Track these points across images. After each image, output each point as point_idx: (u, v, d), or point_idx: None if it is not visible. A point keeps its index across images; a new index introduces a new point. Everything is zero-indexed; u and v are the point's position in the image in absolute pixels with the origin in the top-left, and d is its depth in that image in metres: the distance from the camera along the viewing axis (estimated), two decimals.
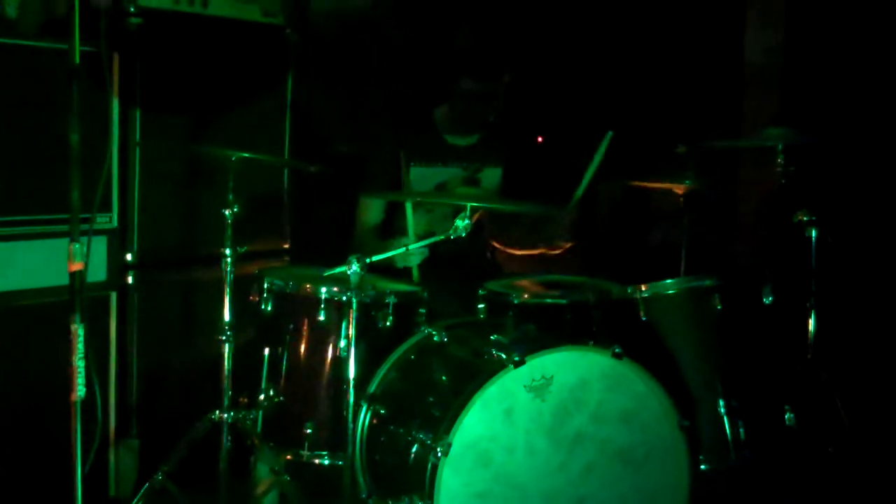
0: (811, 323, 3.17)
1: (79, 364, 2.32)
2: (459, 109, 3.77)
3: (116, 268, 3.51)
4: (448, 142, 3.86)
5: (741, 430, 3.15)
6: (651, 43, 5.06)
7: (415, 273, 3.57)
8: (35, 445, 3.25)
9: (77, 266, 2.34)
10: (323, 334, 3.16)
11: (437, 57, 3.95)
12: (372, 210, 3.87)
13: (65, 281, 2.38)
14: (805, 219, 3.16)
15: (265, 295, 3.22)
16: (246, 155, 3.14)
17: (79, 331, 2.32)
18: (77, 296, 2.33)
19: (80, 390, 2.32)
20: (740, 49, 4.79)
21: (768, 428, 3.19)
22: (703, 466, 3.09)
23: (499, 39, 3.89)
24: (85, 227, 2.35)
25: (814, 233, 3.16)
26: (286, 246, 4.09)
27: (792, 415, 3.17)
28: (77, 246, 2.34)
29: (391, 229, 3.84)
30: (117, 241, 3.51)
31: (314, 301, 3.13)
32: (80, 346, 2.32)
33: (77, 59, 2.36)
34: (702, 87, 4.88)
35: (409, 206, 3.60)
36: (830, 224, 3.17)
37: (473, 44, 3.84)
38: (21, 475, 3.25)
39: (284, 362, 3.19)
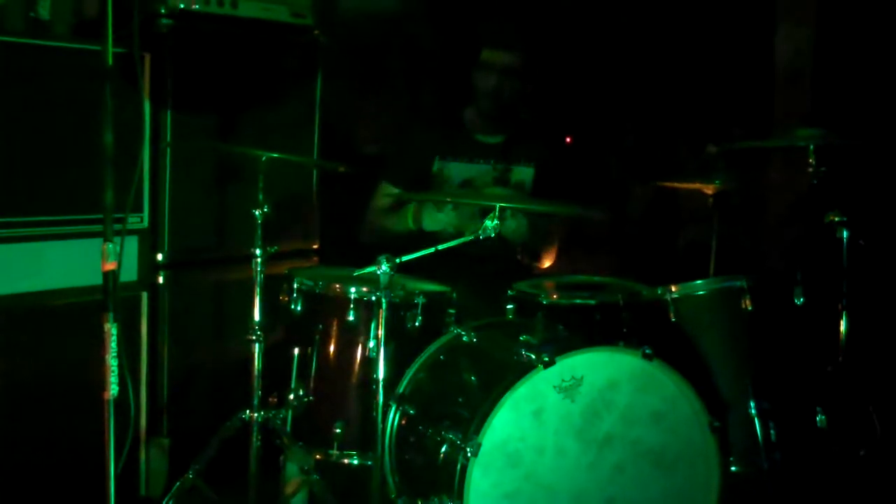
0: (843, 324, 3.15)
1: (112, 363, 2.34)
2: (477, 88, 3.78)
3: (147, 268, 3.53)
4: (478, 141, 3.87)
5: (772, 433, 3.12)
6: (681, 43, 5.04)
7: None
8: (67, 444, 3.27)
9: (110, 266, 2.35)
10: (352, 334, 3.17)
11: (464, 56, 3.96)
12: (385, 195, 3.90)
13: (96, 281, 2.40)
14: (836, 219, 3.14)
15: (295, 295, 3.23)
16: (276, 155, 3.14)
17: (112, 330, 2.33)
18: (110, 295, 2.35)
19: (113, 389, 2.34)
20: (770, 49, 4.77)
21: (799, 430, 3.17)
22: (733, 468, 3.07)
23: (517, 15, 3.92)
24: (118, 226, 2.37)
25: (845, 234, 3.14)
26: (315, 246, 4.10)
27: (823, 417, 3.15)
28: (110, 246, 2.35)
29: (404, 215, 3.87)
30: (148, 242, 3.53)
31: (344, 301, 3.14)
32: (113, 344, 2.34)
33: (110, 61, 2.37)
34: (732, 86, 4.85)
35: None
36: (862, 225, 3.15)
37: (493, 17, 3.87)
38: (53, 474, 3.27)
39: (314, 362, 3.21)
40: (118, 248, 2.37)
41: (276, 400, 3.23)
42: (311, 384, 3.20)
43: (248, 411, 3.11)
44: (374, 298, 3.03)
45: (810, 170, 3.21)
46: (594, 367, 2.79)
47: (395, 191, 3.91)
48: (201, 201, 3.71)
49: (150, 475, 3.57)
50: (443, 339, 3.13)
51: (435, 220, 3.65)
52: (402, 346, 3.09)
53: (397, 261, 2.83)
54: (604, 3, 5.20)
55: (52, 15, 3.29)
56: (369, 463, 2.95)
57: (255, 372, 3.11)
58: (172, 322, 3.63)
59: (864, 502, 3.22)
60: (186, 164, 3.63)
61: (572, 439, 2.77)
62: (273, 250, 3.14)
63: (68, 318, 3.26)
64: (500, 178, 3.88)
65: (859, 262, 3.17)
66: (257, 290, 3.10)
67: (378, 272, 2.81)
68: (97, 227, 2.45)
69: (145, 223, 3.50)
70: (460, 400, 2.94)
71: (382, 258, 2.81)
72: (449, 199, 3.66)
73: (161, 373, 3.61)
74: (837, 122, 4.08)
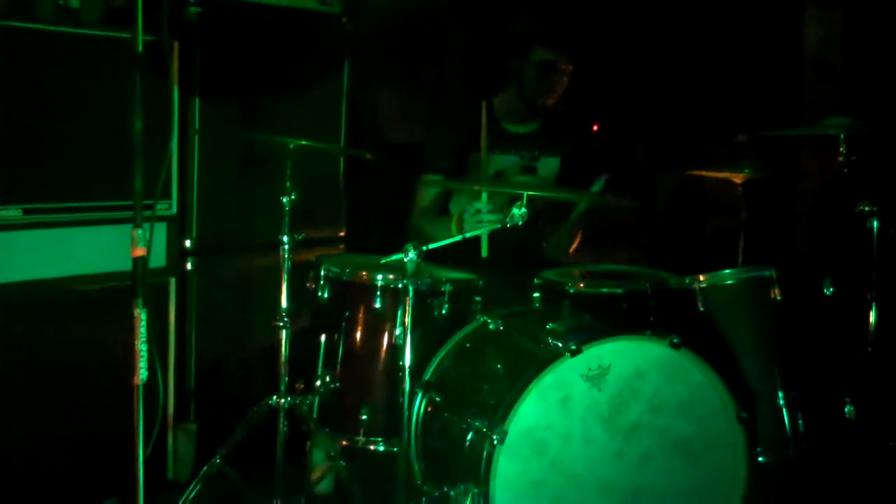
0: (872, 314, 3.13)
1: (141, 348, 2.35)
2: (526, 83, 3.74)
3: (175, 254, 3.55)
4: (507, 130, 3.85)
5: (800, 423, 3.11)
6: (709, 30, 5.01)
7: (484, 245, 3.49)
8: (95, 428, 3.30)
9: (140, 251, 2.37)
10: (379, 321, 3.17)
11: (496, 44, 3.93)
12: (428, 193, 3.88)
13: (126, 266, 2.42)
14: (866, 209, 3.11)
15: (322, 282, 3.24)
16: (303, 143, 3.15)
17: (141, 315, 2.35)
18: (139, 281, 2.36)
19: (142, 374, 2.36)
20: (799, 36, 4.73)
21: (828, 420, 3.15)
22: (760, 459, 3.06)
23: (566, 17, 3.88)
24: (147, 213, 2.38)
25: (875, 223, 3.11)
26: (342, 233, 4.11)
27: (852, 407, 3.14)
28: (140, 232, 2.37)
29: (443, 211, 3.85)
30: (176, 228, 3.55)
31: (370, 288, 3.15)
32: (142, 330, 2.35)
33: (140, 48, 2.38)
34: (761, 74, 4.82)
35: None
36: (892, 215, 3.12)
37: (546, 15, 3.82)
38: (81, 457, 3.30)
39: (340, 349, 3.22)
40: (147, 235, 2.39)
41: (302, 386, 3.24)
42: (338, 371, 3.21)
43: (274, 397, 3.12)
44: (400, 286, 3.03)
45: (840, 159, 3.18)
46: (621, 355, 2.78)
47: (437, 177, 3.87)
48: (229, 188, 3.73)
49: (177, 460, 3.60)
50: (469, 327, 3.13)
51: (477, 225, 3.57)
52: (429, 334, 3.09)
53: (424, 248, 2.83)
54: None
55: (81, 3, 3.30)
56: (395, 449, 2.96)
57: (282, 358, 3.12)
58: (200, 308, 3.65)
59: (893, 493, 3.20)
60: (215, 151, 3.64)
61: (599, 428, 2.77)
62: (300, 237, 3.15)
63: (98, 303, 3.29)
64: (526, 168, 3.86)
65: (889, 252, 3.14)
66: (284, 276, 3.12)
67: (405, 260, 2.81)
68: (127, 214, 2.47)
69: (174, 210, 3.52)
70: (486, 388, 2.94)
71: (409, 246, 2.81)
72: (476, 187, 3.64)
73: (189, 358, 3.64)
74: (867, 111, 4.05)
